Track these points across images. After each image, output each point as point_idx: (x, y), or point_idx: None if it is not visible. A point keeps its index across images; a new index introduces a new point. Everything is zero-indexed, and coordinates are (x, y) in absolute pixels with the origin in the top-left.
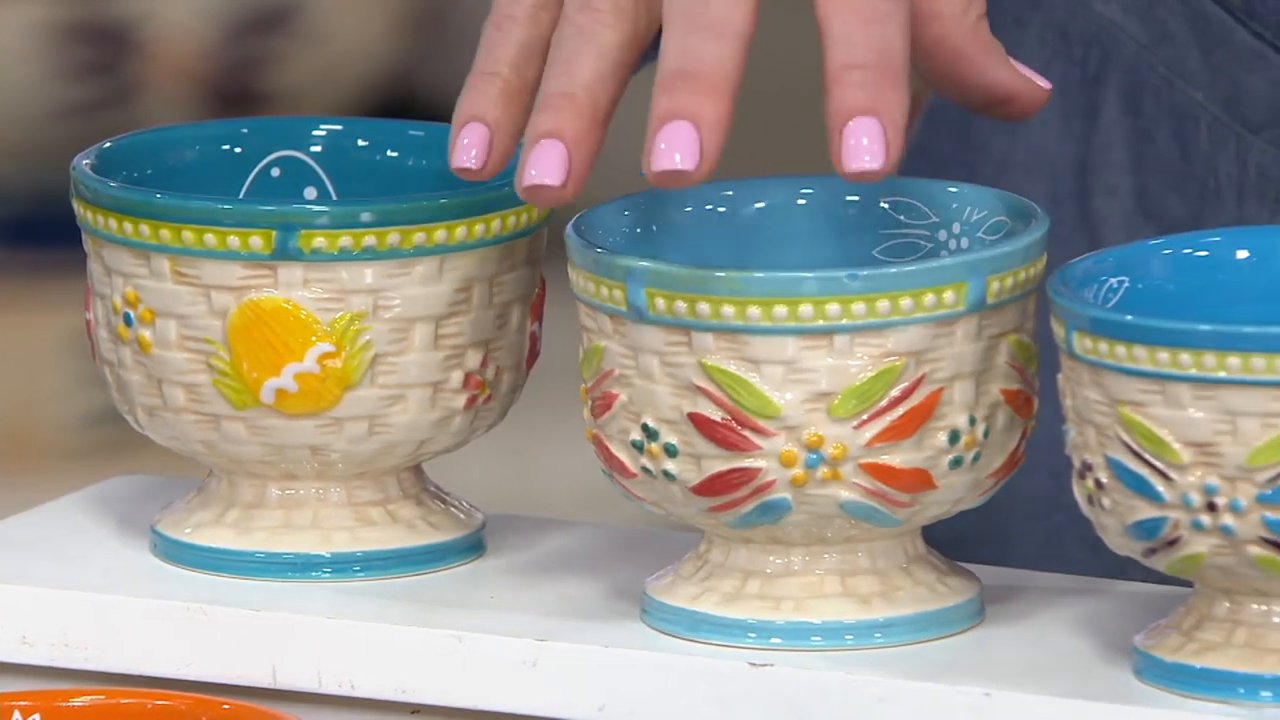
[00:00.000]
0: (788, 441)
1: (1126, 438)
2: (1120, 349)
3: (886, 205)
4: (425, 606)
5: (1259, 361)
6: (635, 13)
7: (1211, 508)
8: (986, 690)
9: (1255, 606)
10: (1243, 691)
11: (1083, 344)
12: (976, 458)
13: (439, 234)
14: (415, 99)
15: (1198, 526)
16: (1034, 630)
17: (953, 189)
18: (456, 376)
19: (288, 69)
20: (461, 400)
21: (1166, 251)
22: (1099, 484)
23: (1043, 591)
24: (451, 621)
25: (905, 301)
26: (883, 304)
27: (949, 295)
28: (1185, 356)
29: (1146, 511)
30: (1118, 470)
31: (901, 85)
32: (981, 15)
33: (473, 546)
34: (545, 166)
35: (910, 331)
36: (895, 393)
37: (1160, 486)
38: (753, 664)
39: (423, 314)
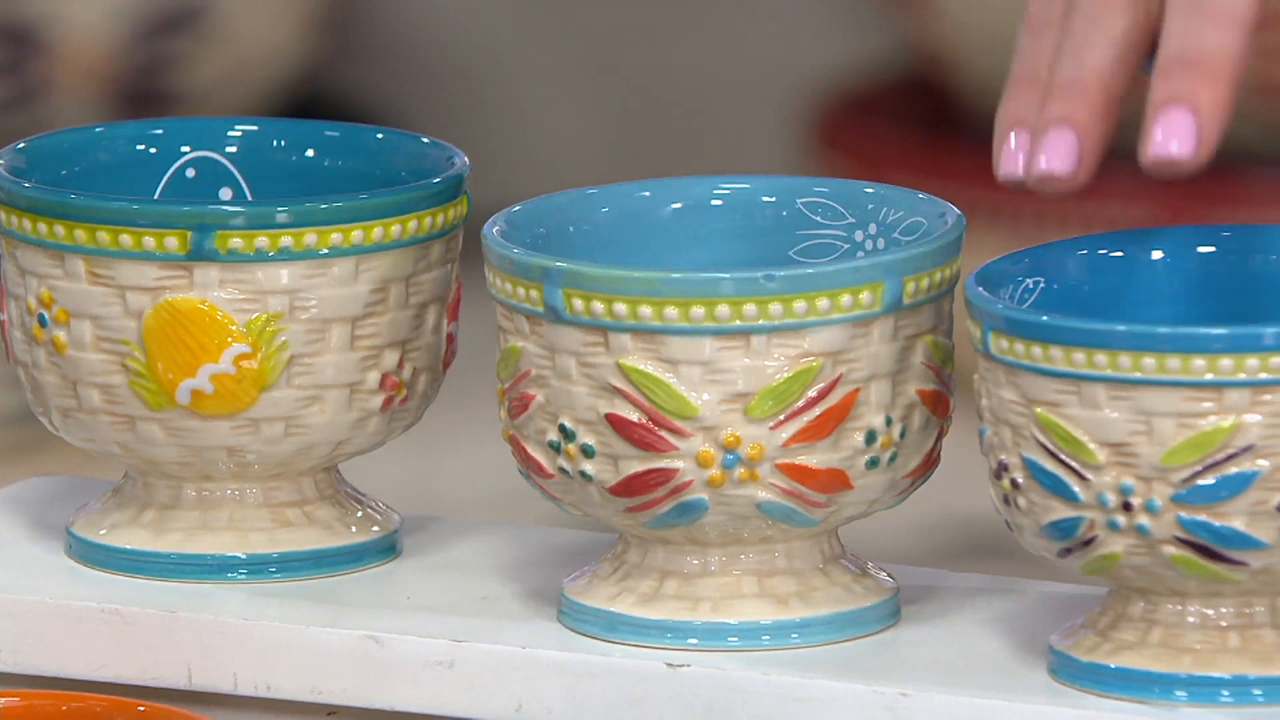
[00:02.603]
0: (705, 442)
1: (1042, 438)
2: (1036, 349)
3: (803, 206)
4: (342, 608)
5: (1174, 362)
6: (1147, 2)
7: (1127, 508)
8: (903, 690)
9: (1170, 606)
10: (1157, 691)
11: (999, 344)
12: (893, 458)
13: (355, 234)
14: (323, 100)
15: (1113, 527)
16: (951, 630)
17: (869, 189)
18: (373, 377)
19: (195, 69)
20: (378, 401)
21: (1082, 252)
22: (1015, 484)
23: (959, 591)
24: (368, 623)
25: (822, 302)
26: (799, 304)
27: (865, 296)
28: (1101, 357)
29: (1062, 512)
30: (1034, 470)
31: (1227, 84)
32: None
33: (389, 548)
34: (1056, 156)
35: (827, 332)
36: (812, 393)
37: (1076, 487)
38: (670, 664)
39: (339, 315)
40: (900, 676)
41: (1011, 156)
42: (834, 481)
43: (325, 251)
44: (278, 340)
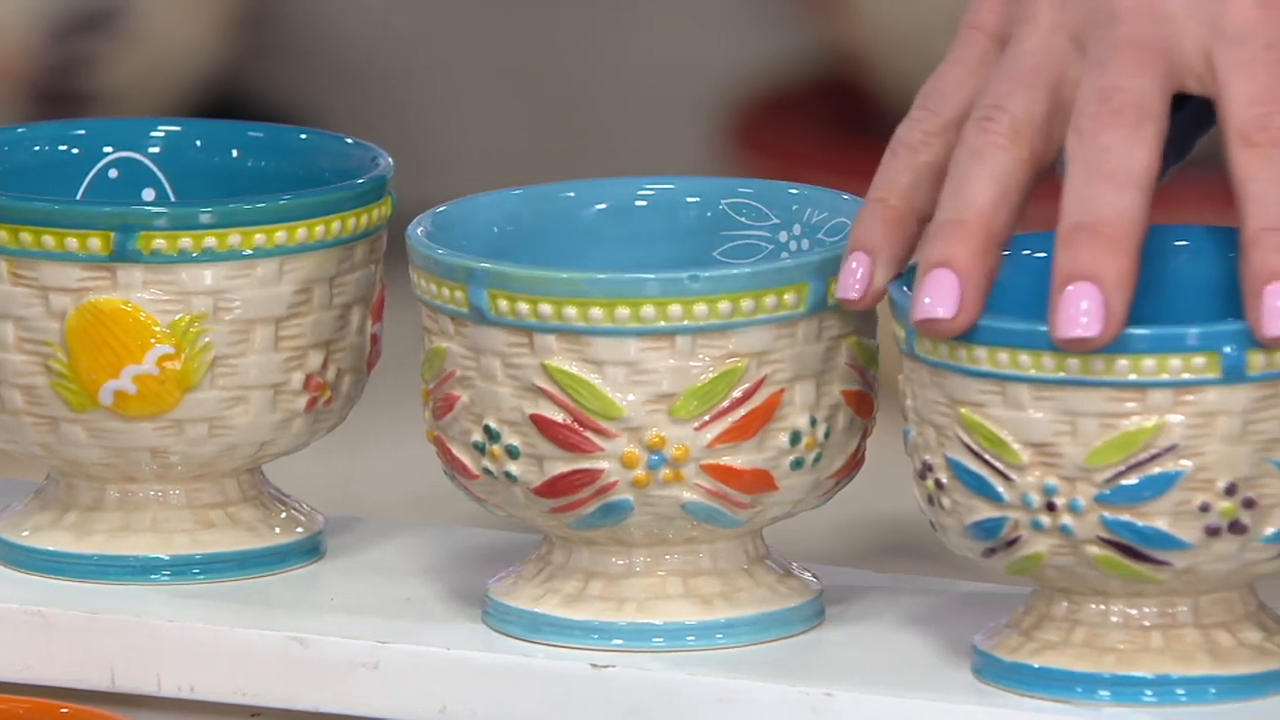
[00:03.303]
0: (629, 442)
1: (966, 438)
2: (961, 350)
3: (727, 206)
4: (265, 609)
5: (1098, 363)
6: (1033, 134)
7: (1051, 508)
8: (828, 690)
9: (1093, 606)
10: (1080, 691)
11: (923, 344)
12: (817, 459)
13: (279, 235)
14: (240, 99)
15: (1037, 526)
16: (875, 630)
17: (793, 190)
18: (297, 378)
19: (112, 69)
20: (302, 402)
21: (1005, 253)
22: (939, 484)
23: (883, 592)
24: (292, 624)
25: (746, 303)
26: (724, 305)
27: (790, 296)
28: (1025, 357)
29: (986, 512)
30: (958, 471)
31: None
32: None
33: (313, 549)
34: (937, 298)
35: (751, 333)
36: (737, 394)
37: (1000, 487)
38: (595, 665)
39: (263, 315)
40: (825, 677)
41: (849, 278)
42: (759, 482)
43: (249, 252)
44: (201, 341)
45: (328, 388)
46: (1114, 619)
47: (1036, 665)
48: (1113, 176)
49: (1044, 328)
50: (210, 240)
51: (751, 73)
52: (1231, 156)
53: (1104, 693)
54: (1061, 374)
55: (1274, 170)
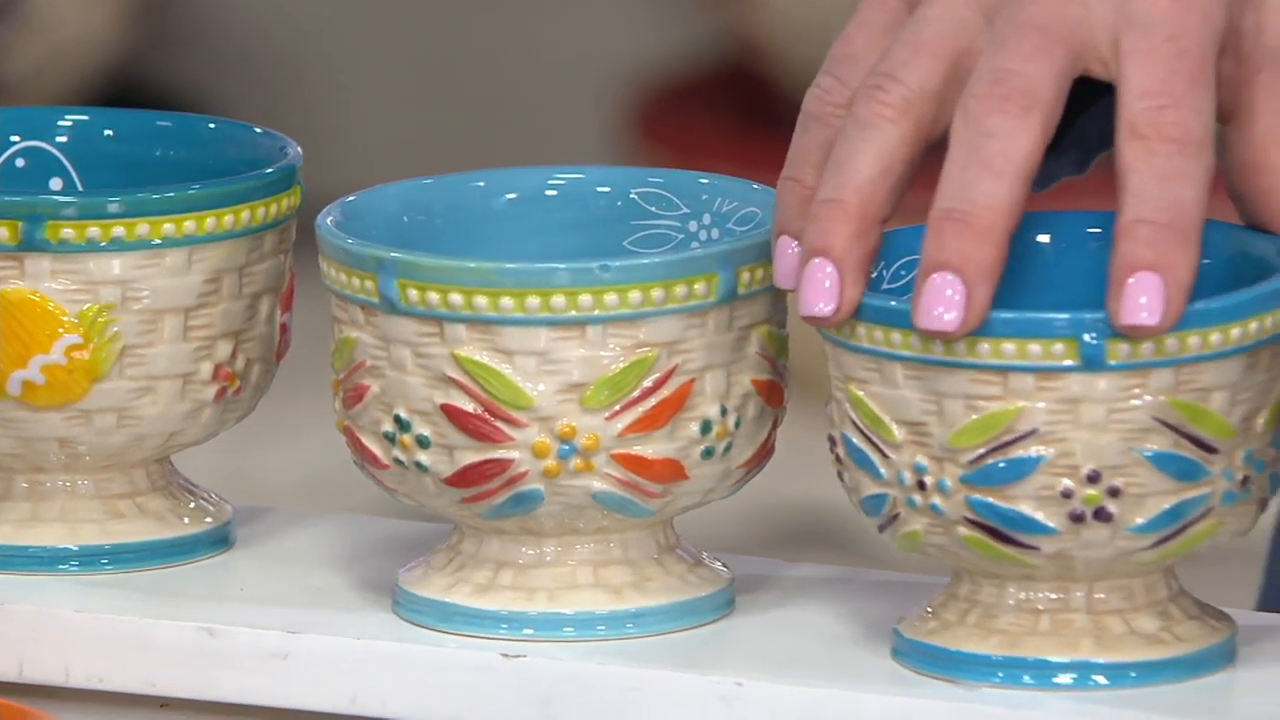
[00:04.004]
0: (540, 432)
1: (854, 415)
2: (845, 326)
3: (637, 196)
4: (175, 599)
5: (960, 345)
6: (924, 107)
7: (921, 486)
8: (738, 680)
9: (1021, 595)
10: (1001, 675)
11: None
12: (728, 448)
13: (188, 225)
14: (141, 88)
15: (911, 504)
16: (785, 619)
17: (703, 180)
18: (206, 368)
19: (11, 58)
20: (211, 392)
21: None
22: (839, 459)
23: (793, 581)
24: (201, 614)
25: (657, 292)
26: (634, 295)
27: (700, 286)
28: (897, 336)
29: (871, 488)
30: (848, 446)
31: (1191, 245)
32: None
33: (222, 539)
34: (815, 294)
35: (662, 322)
36: (647, 383)
37: (879, 464)
38: (505, 655)
39: (172, 305)
40: (735, 666)
41: (788, 265)
42: (669, 472)
43: (158, 242)
44: (110, 331)
45: (237, 377)
46: (1040, 606)
47: (956, 649)
48: (991, 164)
49: (906, 305)
50: (118, 230)
51: (653, 63)
52: (1119, 145)
53: (1027, 678)
54: (928, 354)
55: (1155, 164)
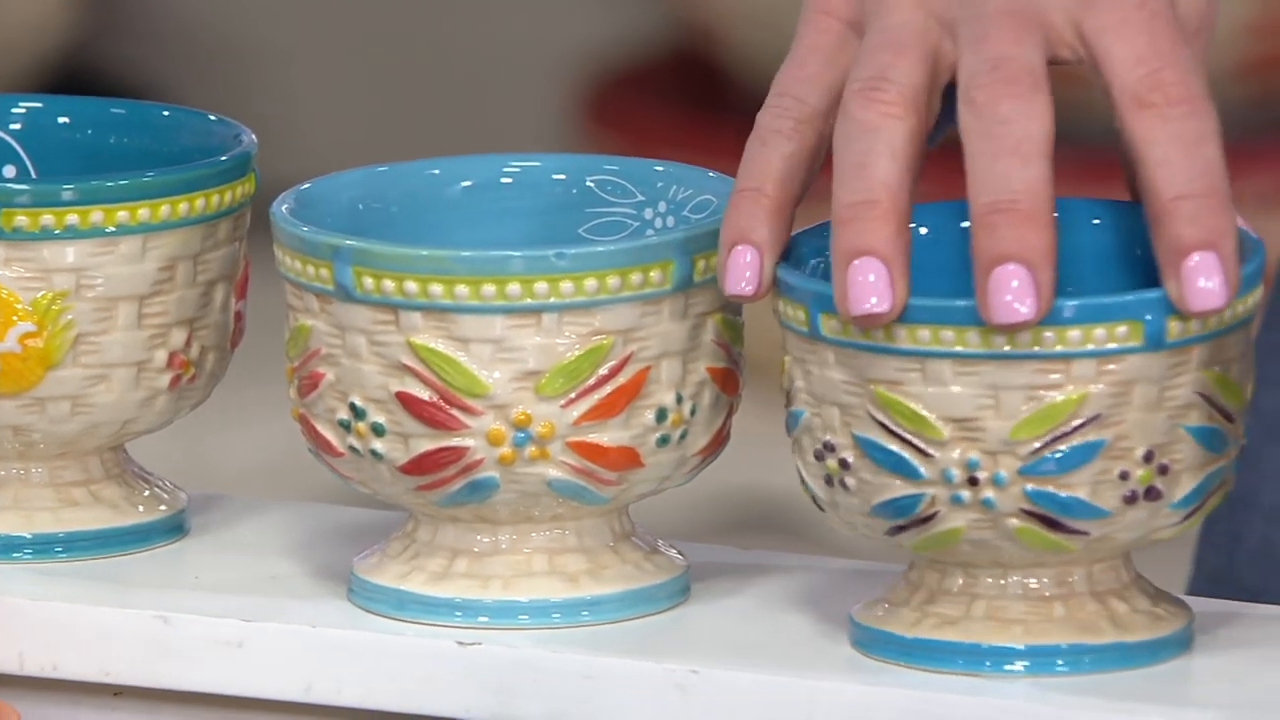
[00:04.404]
0: (495, 420)
1: (882, 417)
2: (877, 330)
3: (593, 184)
4: (129, 587)
5: (1024, 336)
6: (919, 104)
7: (973, 482)
8: (693, 668)
9: (988, 580)
10: (960, 662)
11: (830, 325)
12: (683, 435)
13: (142, 212)
14: (89, 75)
15: (957, 502)
16: (740, 607)
17: (659, 167)
18: (161, 356)
19: None
20: (166, 379)
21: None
22: (844, 464)
23: (747, 568)
24: (156, 602)
25: (612, 280)
26: (590, 283)
27: (655, 274)
28: (948, 333)
29: (902, 490)
30: (869, 449)
31: (1230, 207)
32: None
33: (177, 527)
34: (869, 290)
35: (617, 310)
36: (603, 371)
37: (919, 464)
38: (460, 643)
39: (126, 293)
40: (690, 653)
41: (740, 271)
42: (625, 459)
43: (112, 229)
44: (64, 319)
45: (191, 365)
46: (999, 593)
47: (915, 636)
48: (1018, 149)
49: (963, 303)
50: (73, 217)
51: (605, 49)
52: (1125, 122)
53: (987, 663)
54: (987, 349)
55: (1172, 129)
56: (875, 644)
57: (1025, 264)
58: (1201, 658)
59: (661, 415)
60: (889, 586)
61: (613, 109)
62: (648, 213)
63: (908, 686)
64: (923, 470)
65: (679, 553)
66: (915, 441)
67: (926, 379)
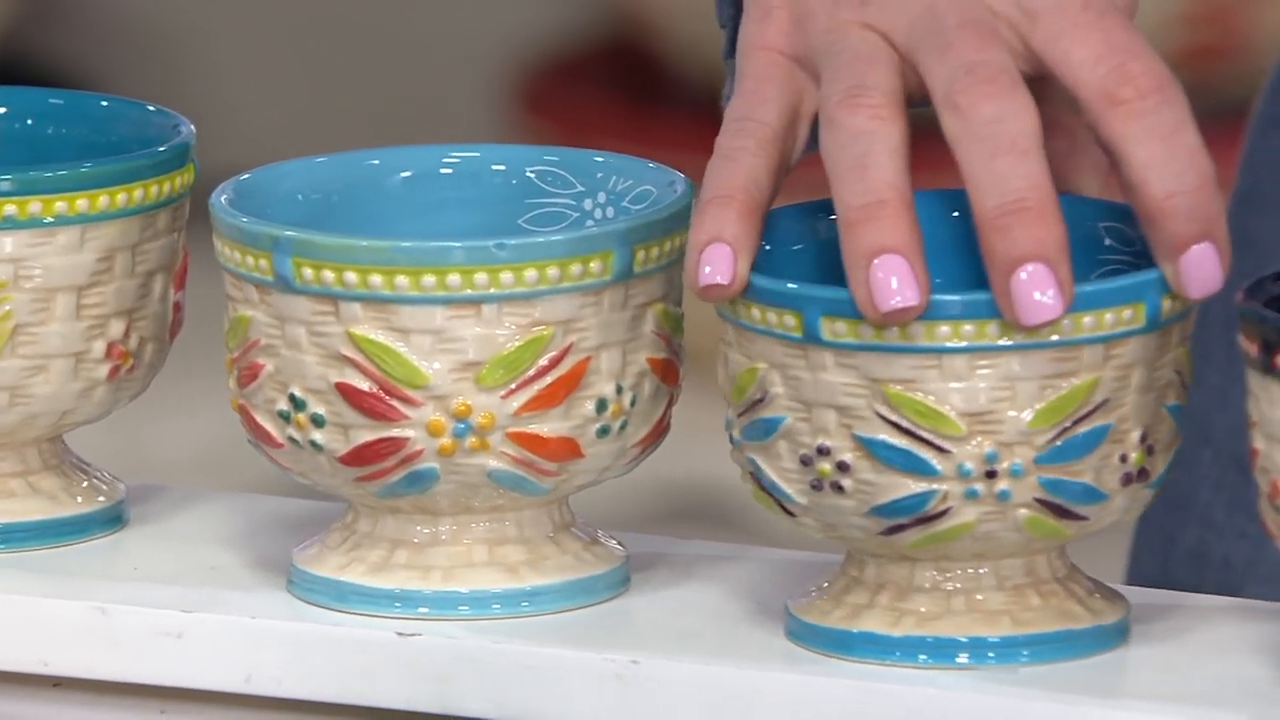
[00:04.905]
0: (435, 411)
1: (894, 417)
2: (891, 330)
3: (533, 175)
4: (67, 578)
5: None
6: (903, 105)
7: (991, 475)
8: (634, 658)
9: (928, 573)
10: (897, 654)
11: (833, 329)
12: (623, 426)
13: (80, 203)
14: (25, 64)
15: (972, 496)
16: (680, 597)
17: (599, 158)
18: (99, 346)
19: None
20: (104, 370)
21: (795, 218)
22: (842, 467)
23: (687, 559)
24: (94, 593)
25: (552, 271)
26: (530, 273)
27: (595, 265)
28: (968, 327)
29: (913, 487)
30: (875, 450)
31: (1218, 194)
32: None
33: (115, 518)
34: (889, 290)
35: (558, 301)
36: (543, 362)
37: (934, 460)
38: (400, 634)
39: (64, 284)
40: (631, 644)
41: (718, 264)
42: (565, 450)
43: (50, 220)
44: (1, 309)
45: (130, 356)
46: (937, 584)
47: (853, 629)
48: (1014, 146)
49: (977, 296)
50: (10, 208)
51: (541, 38)
52: (1099, 122)
53: (923, 656)
54: (1005, 340)
55: (1149, 123)
56: (808, 635)
57: (1045, 262)
58: (1139, 648)
59: (601, 406)
60: (826, 578)
61: (549, 99)
62: (587, 203)
63: (847, 676)
64: (938, 466)
65: (619, 543)
66: (930, 438)
67: (944, 374)
